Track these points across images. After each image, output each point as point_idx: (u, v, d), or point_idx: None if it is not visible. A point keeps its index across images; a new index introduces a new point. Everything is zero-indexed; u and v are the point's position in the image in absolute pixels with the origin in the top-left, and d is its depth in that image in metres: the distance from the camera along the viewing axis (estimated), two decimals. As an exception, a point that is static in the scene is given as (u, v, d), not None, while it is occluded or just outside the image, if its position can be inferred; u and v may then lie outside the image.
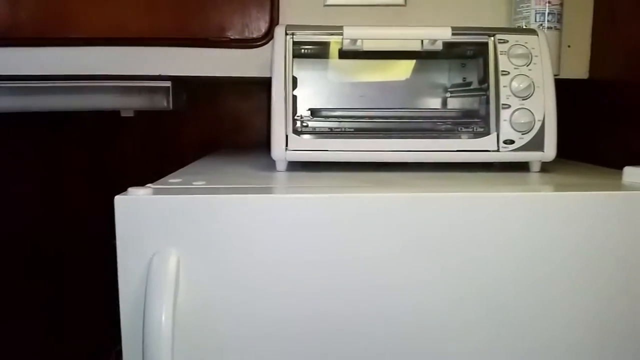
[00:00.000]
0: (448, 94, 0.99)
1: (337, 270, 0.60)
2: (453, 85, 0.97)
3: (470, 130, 0.80)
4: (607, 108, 0.99)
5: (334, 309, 0.61)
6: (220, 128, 1.39)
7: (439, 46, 0.80)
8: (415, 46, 0.80)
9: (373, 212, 0.60)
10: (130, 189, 0.60)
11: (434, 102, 1.00)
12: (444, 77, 0.98)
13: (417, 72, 0.99)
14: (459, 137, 0.80)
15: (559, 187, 0.72)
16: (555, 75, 0.95)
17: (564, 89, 1.15)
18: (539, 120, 0.78)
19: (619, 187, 0.69)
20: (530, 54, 0.79)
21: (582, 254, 0.63)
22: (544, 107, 0.78)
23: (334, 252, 0.60)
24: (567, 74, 1.02)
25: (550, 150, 0.79)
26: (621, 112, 0.94)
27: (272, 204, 0.59)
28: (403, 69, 0.99)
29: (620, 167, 0.75)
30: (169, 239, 0.59)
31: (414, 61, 0.99)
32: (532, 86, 0.78)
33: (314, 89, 0.98)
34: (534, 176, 0.79)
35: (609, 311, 0.64)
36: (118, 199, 0.59)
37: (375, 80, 0.99)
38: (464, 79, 0.93)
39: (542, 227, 0.62)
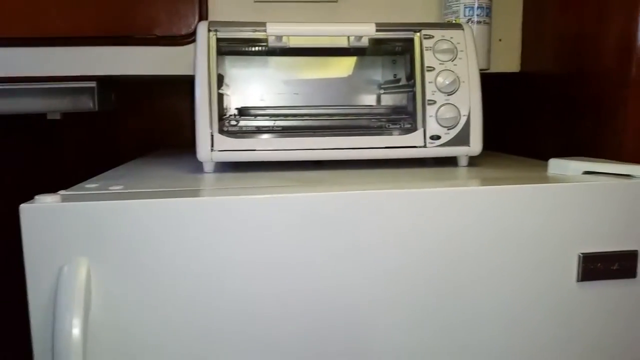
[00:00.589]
0: (382, 91, 0.99)
1: (258, 274, 0.59)
2: (385, 82, 0.97)
3: (399, 126, 0.80)
4: (538, 100, 1.01)
5: (254, 313, 0.60)
6: (159, 128, 1.36)
7: (365, 43, 0.79)
8: (342, 43, 0.80)
9: (299, 212, 0.59)
10: (37, 197, 0.58)
11: (369, 99, 0.99)
12: (377, 74, 0.98)
13: (352, 69, 0.98)
14: (390, 134, 0.80)
15: (481, 181, 0.72)
16: (485, 70, 0.97)
17: (496, 82, 1.17)
18: (464, 115, 0.79)
19: (544, 179, 0.70)
20: (456, 49, 0.79)
21: (506, 247, 0.64)
22: (470, 102, 0.79)
23: (255, 255, 0.59)
24: (498, 67, 1.03)
25: (476, 145, 0.79)
26: (551, 104, 0.96)
27: (185, 207, 0.58)
28: (338, 66, 0.99)
29: (551, 158, 0.76)
30: (79, 248, 0.57)
31: (349, 58, 0.98)
32: (457, 81, 0.78)
33: (246, 87, 0.96)
34: (460, 171, 0.79)
35: (535, 303, 0.65)
36: (23, 207, 0.56)
37: (311, 77, 0.98)
38: (395, 75, 0.93)
39: (465, 221, 0.62)
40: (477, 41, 0.94)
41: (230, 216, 0.58)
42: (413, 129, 0.79)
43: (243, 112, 0.84)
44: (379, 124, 0.83)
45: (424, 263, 0.62)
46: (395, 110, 0.86)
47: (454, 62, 0.79)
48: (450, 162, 0.85)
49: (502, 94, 1.15)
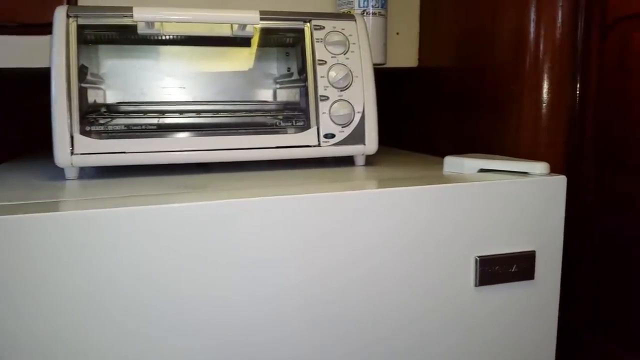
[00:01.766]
0: (278, 86, 0.92)
1: (125, 298, 0.50)
2: (280, 76, 0.90)
3: (291, 124, 0.74)
4: (437, 96, 0.98)
5: (111, 337, 0.51)
6: (32, 129, 1.21)
7: (250, 32, 0.72)
8: (225, 32, 0.72)
9: (173, 225, 0.51)
10: None
11: (264, 95, 0.92)
12: (272, 67, 0.91)
13: (246, 62, 0.90)
14: (283, 132, 0.73)
15: (375, 183, 0.67)
16: (381, 64, 0.92)
17: (396, 77, 1.14)
18: (358, 112, 0.73)
19: (438, 178, 0.67)
20: (348, 41, 0.74)
21: (400, 251, 0.59)
22: (364, 99, 0.74)
23: (117, 277, 0.50)
24: (396, 62, 1.00)
25: (371, 144, 0.75)
26: (450, 100, 0.94)
27: (26, 225, 0.48)
28: (231, 58, 0.90)
29: (450, 154, 0.73)
30: None
31: (243, 49, 0.90)
32: (350, 76, 0.73)
33: (125, 80, 0.86)
34: (356, 171, 0.74)
35: (433, 309, 0.61)
36: None
37: (200, 70, 0.89)
38: (289, 69, 0.86)
39: (355, 225, 0.57)
40: (373, 34, 0.89)
41: (85, 234, 0.49)
42: (306, 126, 0.73)
43: (112, 108, 0.74)
44: (272, 121, 0.76)
45: (313, 270, 0.56)
46: (289, 106, 0.79)
47: (347, 55, 0.73)
48: (348, 161, 0.79)
49: (401, 90, 1.12)
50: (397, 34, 0.99)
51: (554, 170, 0.74)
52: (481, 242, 0.61)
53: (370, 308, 0.59)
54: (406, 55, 1.01)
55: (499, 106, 0.79)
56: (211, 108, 0.80)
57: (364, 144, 0.74)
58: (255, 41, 0.81)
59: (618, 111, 1.34)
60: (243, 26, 0.71)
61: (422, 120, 1.03)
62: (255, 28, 0.73)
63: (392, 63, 0.98)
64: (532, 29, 0.72)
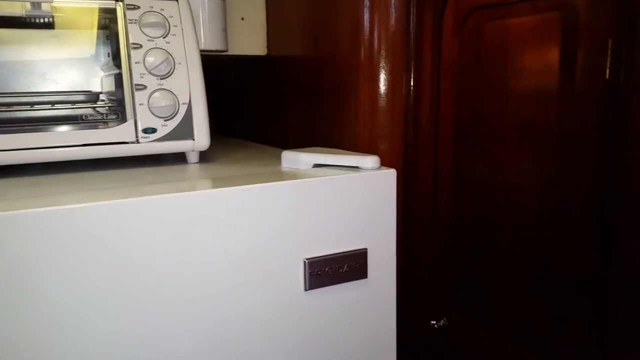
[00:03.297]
0: (102, 74, 0.81)
1: None
2: (100, 63, 0.80)
3: (101, 118, 0.65)
4: (285, 87, 0.93)
5: None
6: None
7: (48, 12, 0.62)
8: (15, 11, 0.61)
9: None
10: None
11: (82, 84, 0.81)
12: (91, 52, 0.80)
13: (60, 46, 0.79)
14: (94, 127, 0.64)
15: (197, 183, 0.61)
16: (222, 51, 0.85)
17: (246, 66, 1.08)
18: (184, 104, 0.66)
19: (271, 175, 0.61)
20: (168, 23, 0.66)
21: (229, 256, 0.53)
22: (190, 88, 0.66)
23: None
24: (242, 49, 0.93)
25: (202, 139, 0.68)
26: (297, 91, 0.89)
27: None
28: (41, 42, 0.78)
29: (301, 147, 0.68)
30: None
31: (54, 32, 0.78)
32: (171, 62, 0.65)
33: None
34: (187, 169, 0.67)
35: (264, 317, 0.56)
36: None
37: (4, 58, 0.76)
38: (108, 54, 0.76)
39: (181, 229, 0.50)
40: (210, 18, 0.82)
41: None
42: (122, 120, 0.64)
43: None
44: (80, 114, 0.66)
45: (140, 278, 0.48)
46: (104, 97, 0.70)
47: (167, 39, 0.66)
48: (180, 157, 0.72)
49: (251, 80, 1.06)
50: (242, 19, 0.93)
51: (394, 162, 0.71)
52: (310, 243, 0.57)
53: (197, 320, 0.52)
54: (253, 43, 0.94)
55: (338, 97, 0.75)
56: (4, 101, 0.68)
57: (193, 139, 0.67)
58: (65, 23, 0.70)
59: (475, 103, 1.39)
60: (38, 5, 0.61)
61: (274, 111, 0.98)
62: (55, 7, 0.62)
63: (236, 50, 0.92)
64: (366, 18, 0.69)
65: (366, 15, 0.69)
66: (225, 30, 0.85)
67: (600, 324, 1.04)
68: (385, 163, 0.70)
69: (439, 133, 1.57)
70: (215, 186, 0.54)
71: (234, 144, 0.95)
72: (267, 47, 0.96)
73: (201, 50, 0.83)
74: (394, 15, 0.68)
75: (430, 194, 0.73)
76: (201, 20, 0.82)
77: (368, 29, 0.69)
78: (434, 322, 1.64)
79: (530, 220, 1.21)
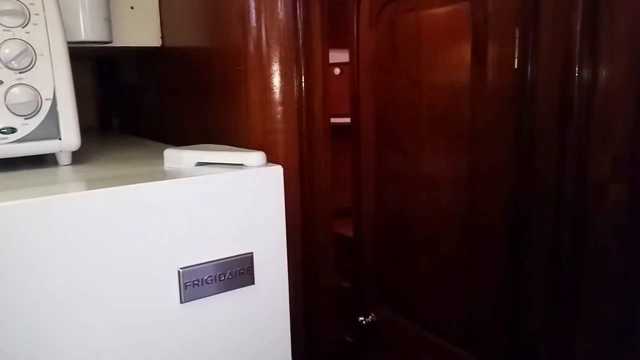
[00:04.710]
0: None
1: None
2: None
3: (-51, 117, 0.57)
4: (180, 79, 0.87)
5: None
6: None
7: None
8: None
9: None
10: None
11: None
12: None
13: None
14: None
15: (66, 186, 0.55)
16: (104, 43, 0.78)
17: (142, 58, 1.01)
18: (47, 100, 0.59)
19: (150, 175, 0.56)
20: (28, 11, 0.59)
21: (94, 263, 0.47)
22: (54, 82, 0.60)
23: None
24: (133, 40, 0.86)
25: (70, 138, 0.61)
26: (191, 84, 0.83)
27: None
28: None
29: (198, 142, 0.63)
30: None
31: None
32: (31, 54, 0.58)
33: None
34: (57, 172, 0.61)
35: (138, 334, 0.50)
36: None
37: None
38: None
39: (31, 240, 0.44)
40: (91, 7, 0.75)
41: None
42: (-26, 120, 0.57)
43: None
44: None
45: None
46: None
47: (26, 28, 0.58)
48: (51, 160, 0.65)
49: (147, 73, 0.99)
50: (132, 8, 0.86)
51: (289, 157, 0.67)
52: (185, 250, 0.52)
53: (59, 339, 0.46)
54: (145, 33, 0.88)
55: (228, 90, 0.70)
56: None
57: (60, 139, 0.60)
58: None
59: (392, 96, 1.37)
60: None
61: (171, 107, 0.91)
62: None
63: (126, 42, 0.85)
64: (252, 6, 0.64)
65: (252, 3, 0.64)
66: (108, 19, 0.78)
67: (517, 314, 1.05)
68: (280, 158, 0.66)
69: (361, 127, 1.55)
70: (72, 190, 0.48)
71: (125, 143, 0.89)
72: (162, 37, 0.89)
73: (82, 42, 0.76)
74: (281, 3, 0.64)
75: (329, 190, 0.70)
76: (80, 9, 0.74)
77: (255, 18, 0.64)
78: (362, 318, 1.62)
79: (447, 213, 1.21)
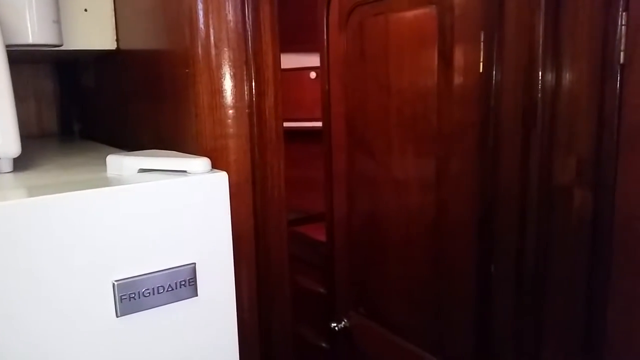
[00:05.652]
0: None
1: None
2: None
3: None
4: (135, 83, 0.84)
5: None
6: None
7: None
8: None
9: None
10: None
11: None
12: None
13: None
14: None
15: (10, 194, 0.52)
16: (54, 46, 0.76)
17: (97, 62, 0.98)
18: (-18, 105, 0.56)
19: (98, 181, 0.53)
20: (-41, 11, 0.56)
21: (23, 275, 0.44)
22: (-11, 86, 0.57)
23: None
24: (87, 43, 0.84)
25: (9, 144, 0.58)
26: (145, 87, 0.81)
27: None
28: None
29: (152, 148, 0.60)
30: None
31: None
32: (-37, 57, 0.55)
33: None
34: (3, 179, 0.58)
35: (72, 348, 0.48)
36: None
37: None
38: None
39: None
40: (38, 10, 0.72)
41: None
42: None
43: None
44: None
45: None
46: None
47: (-43, 29, 0.56)
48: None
49: (105, 77, 0.97)
50: (85, 10, 0.83)
51: (241, 163, 0.65)
52: (121, 261, 0.50)
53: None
54: (99, 36, 0.85)
55: (178, 93, 0.68)
56: None
57: (-3, 145, 0.58)
58: None
59: (362, 99, 1.36)
60: None
61: (126, 111, 0.89)
62: None
63: (79, 45, 0.82)
64: (199, 7, 0.62)
65: (199, 4, 0.62)
66: (58, 22, 0.75)
67: (486, 319, 1.04)
68: (231, 164, 0.64)
69: (332, 130, 1.54)
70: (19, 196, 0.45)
71: (80, 149, 0.86)
72: (117, 40, 0.87)
73: (30, 45, 0.73)
74: (229, 4, 0.62)
75: (282, 196, 0.68)
76: (27, 11, 0.72)
77: (202, 19, 0.62)
78: (334, 324, 1.60)
79: (416, 217, 1.20)
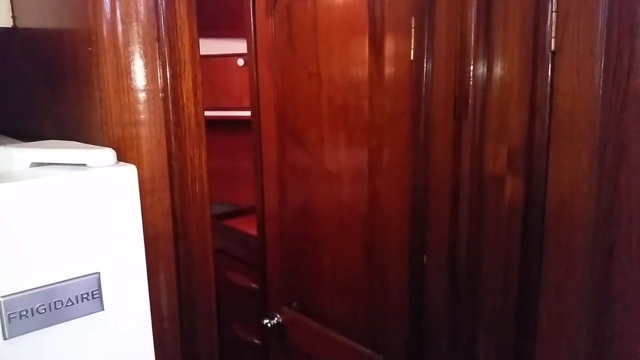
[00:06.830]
0: None
1: None
2: None
3: None
4: (35, 65, 0.75)
5: None
6: None
7: None
8: None
9: None
10: None
11: None
12: None
13: None
14: None
15: None
16: None
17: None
18: None
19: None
20: None
21: None
22: None
23: None
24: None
25: None
26: (48, 69, 0.71)
27: None
28: None
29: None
30: None
31: None
32: None
33: None
34: None
35: None
36: None
37: None
38: None
39: None
40: None
41: None
42: None
43: None
44: None
45: None
46: None
47: None
48: None
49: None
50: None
51: (155, 154, 0.58)
52: (9, 273, 0.42)
53: None
54: (-8, 11, 0.75)
55: (80, 75, 0.60)
56: None
57: None
58: None
59: (292, 87, 1.30)
60: None
61: (24, 96, 0.79)
62: None
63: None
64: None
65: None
66: None
67: (420, 311, 1.02)
68: (143, 156, 0.56)
69: (262, 120, 1.47)
70: None
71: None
72: (13, 17, 0.76)
73: None
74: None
75: (204, 190, 0.61)
76: None
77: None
78: (267, 320, 1.54)
79: (349, 209, 1.16)
